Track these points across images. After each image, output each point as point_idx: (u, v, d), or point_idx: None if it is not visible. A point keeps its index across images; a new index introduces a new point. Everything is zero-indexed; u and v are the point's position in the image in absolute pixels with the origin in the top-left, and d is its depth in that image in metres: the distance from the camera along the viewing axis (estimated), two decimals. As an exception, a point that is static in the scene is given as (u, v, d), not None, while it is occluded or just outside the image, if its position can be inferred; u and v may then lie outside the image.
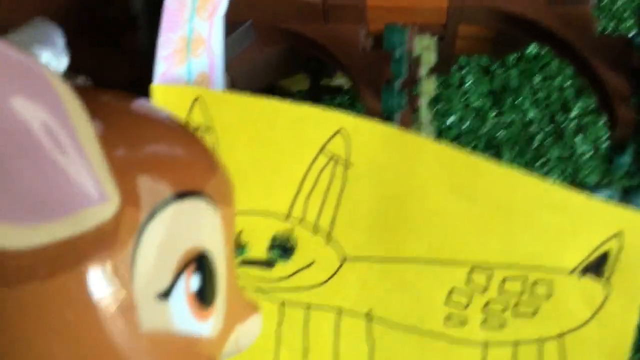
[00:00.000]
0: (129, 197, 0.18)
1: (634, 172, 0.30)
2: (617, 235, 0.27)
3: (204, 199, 0.21)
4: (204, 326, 0.21)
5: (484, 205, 0.27)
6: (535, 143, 0.47)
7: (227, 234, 0.22)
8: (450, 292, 0.29)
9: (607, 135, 0.37)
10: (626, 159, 0.30)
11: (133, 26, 0.32)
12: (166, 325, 0.20)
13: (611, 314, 0.28)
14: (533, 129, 0.48)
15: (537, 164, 0.47)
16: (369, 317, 0.30)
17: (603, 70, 0.29)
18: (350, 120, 0.27)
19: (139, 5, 0.31)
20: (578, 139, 0.47)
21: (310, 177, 0.28)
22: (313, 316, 0.30)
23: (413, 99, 0.30)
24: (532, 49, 0.51)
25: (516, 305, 0.28)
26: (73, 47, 0.35)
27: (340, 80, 0.40)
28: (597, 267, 0.27)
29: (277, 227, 0.29)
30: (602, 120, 0.43)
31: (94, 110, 0.17)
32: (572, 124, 0.48)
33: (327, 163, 0.28)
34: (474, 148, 0.47)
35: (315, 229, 0.29)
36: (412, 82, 0.31)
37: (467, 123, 0.48)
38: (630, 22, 0.53)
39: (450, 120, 0.48)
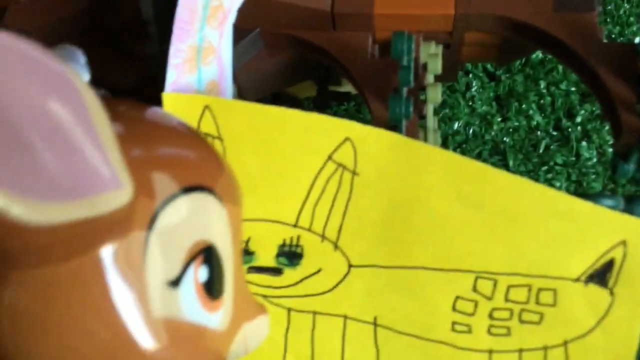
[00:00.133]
0: (143, 187, 0.20)
1: (639, 179, 0.30)
2: (622, 243, 0.27)
3: (211, 194, 0.22)
4: (212, 318, 0.22)
5: (490, 213, 0.27)
6: (541, 148, 0.48)
7: (234, 232, 0.24)
8: (456, 300, 0.29)
9: (612, 141, 0.37)
10: (630, 166, 0.30)
11: (143, 33, 0.33)
12: (176, 313, 0.21)
13: (616, 322, 0.28)
14: (538, 134, 0.48)
15: (543, 169, 0.47)
16: (375, 324, 0.30)
17: (608, 77, 0.30)
18: (358, 128, 0.27)
19: (149, 12, 0.32)
20: (583, 144, 0.47)
21: (318, 185, 0.28)
22: (320, 323, 0.30)
23: (420, 106, 0.30)
24: (538, 54, 0.51)
25: (521, 313, 0.28)
26: (84, 51, 0.36)
27: (347, 87, 0.40)
28: (601, 275, 0.27)
29: (284, 234, 0.29)
30: (608, 127, 0.43)
31: (113, 116, 0.18)
32: (578, 130, 0.48)
33: (335, 171, 0.28)
34: (480, 153, 0.48)
35: (323, 237, 0.29)
36: (419, 90, 0.31)
37: (473, 128, 0.48)
38: (635, 28, 0.53)
39: (456, 125, 0.48)
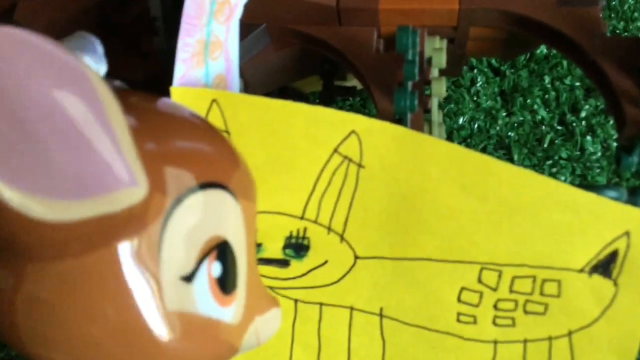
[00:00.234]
0: (157, 184, 0.20)
1: (641, 172, 0.30)
2: (625, 234, 0.27)
3: (226, 191, 0.22)
4: (225, 312, 0.23)
5: (494, 205, 0.27)
6: (545, 143, 0.48)
7: (248, 228, 0.24)
8: (461, 291, 0.29)
9: (616, 135, 0.37)
10: (634, 159, 0.30)
11: (151, 28, 0.33)
12: (189, 308, 0.21)
13: (620, 312, 0.28)
14: (543, 129, 0.48)
15: (547, 163, 0.47)
16: (381, 315, 0.30)
17: (611, 71, 0.30)
18: (363, 121, 0.27)
19: (157, 8, 0.32)
20: (588, 139, 0.47)
21: (324, 178, 0.28)
22: (326, 314, 0.31)
23: (424, 100, 0.31)
24: (542, 49, 0.51)
25: (526, 303, 0.29)
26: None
27: (353, 82, 0.40)
28: (605, 265, 0.27)
29: (291, 226, 0.29)
30: (612, 121, 0.43)
31: (128, 109, 0.19)
32: (582, 124, 0.48)
33: (341, 164, 0.28)
34: (485, 148, 0.48)
35: (329, 229, 0.29)
36: (424, 84, 0.31)
37: (478, 123, 0.49)
38: (639, 23, 0.53)
39: (461, 120, 0.48)
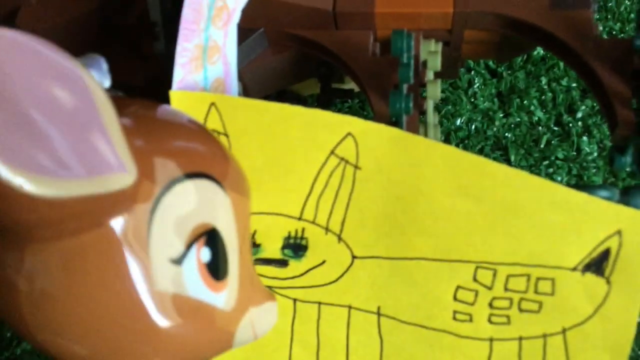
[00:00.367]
0: (147, 172, 0.22)
1: (635, 172, 0.30)
2: (617, 233, 0.27)
3: (214, 182, 0.24)
4: (217, 297, 0.24)
5: (489, 205, 0.28)
6: (542, 144, 0.48)
7: (238, 219, 0.25)
8: (457, 290, 0.29)
9: (611, 136, 0.38)
10: (627, 159, 0.30)
11: (151, 33, 0.33)
12: (180, 290, 0.23)
13: (613, 310, 0.28)
14: (540, 129, 0.49)
15: (544, 164, 0.47)
16: (378, 313, 0.30)
17: (604, 72, 0.30)
18: (359, 123, 0.28)
19: (156, 13, 0.32)
20: (584, 139, 0.48)
21: (321, 179, 0.29)
22: (325, 313, 0.31)
23: (420, 102, 0.31)
24: (539, 51, 0.51)
25: (521, 302, 0.29)
26: (94, 51, 0.37)
27: (350, 85, 0.41)
28: (598, 264, 0.28)
29: (289, 227, 0.30)
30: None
31: (124, 111, 0.22)
32: (578, 125, 0.49)
33: (337, 165, 0.28)
34: (482, 149, 0.48)
35: (327, 229, 0.29)
36: (419, 86, 0.31)
37: (475, 124, 0.49)
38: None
39: (459, 121, 0.49)
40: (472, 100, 0.50)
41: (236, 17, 0.30)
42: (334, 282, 0.30)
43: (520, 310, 0.29)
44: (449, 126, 0.48)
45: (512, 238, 0.28)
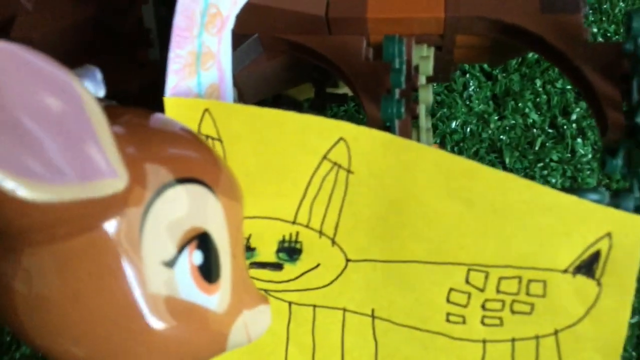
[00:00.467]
0: (138, 178, 0.22)
1: (626, 174, 0.31)
2: (607, 235, 0.27)
3: (205, 187, 0.25)
4: (210, 299, 0.25)
5: (479, 208, 0.28)
6: (537, 146, 0.48)
7: (230, 223, 0.26)
8: (450, 292, 0.29)
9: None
10: (618, 162, 0.31)
11: (146, 40, 0.34)
12: (173, 292, 0.23)
13: (604, 311, 0.28)
14: (534, 132, 0.49)
15: (539, 166, 0.47)
16: (373, 316, 0.31)
17: (594, 76, 0.30)
18: (350, 128, 0.28)
19: (151, 20, 0.33)
20: (578, 141, 0.48)
21: (314, 184, 0.29)
22: (320, 316, 0.31)
23: (412, 107, 0.31)
24: (534, 54, 0.52)
25: (513, 303, 0.29)
26: (90, 58, 0.37)
27: (344, 89, 0.41)
28: (588, 266, 0.28)
29: (284, 231, 0.30)
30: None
31: (117, 120, 0.23)
32: (573, 127, 0.49)
33: (330, 170, 0.29)
34: (477, 152, 0.48)
35: (320, 233, 0.30)
36: (412, 91, 0.32)
37: (470, 127, 0.49)
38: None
39: (454, 124, 0.49)
40: (468, 103, 0.50)
41: (230, 23, 0.30)
42: (328, 285, 0.31)
43: (513, 312, 0.29)
44: (444, 129, 0.49)
45: (503, 240, 0.28)
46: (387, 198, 0.29)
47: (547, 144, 0.48)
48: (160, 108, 0.28)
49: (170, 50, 0.27)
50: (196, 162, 0.25)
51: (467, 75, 0.51)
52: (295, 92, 0.43)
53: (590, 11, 0.55)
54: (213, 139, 0.29)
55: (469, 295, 0.29)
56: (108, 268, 0.22)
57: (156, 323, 0.23)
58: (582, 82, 0.31)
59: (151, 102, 0.28)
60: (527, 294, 0.29)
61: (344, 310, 0.31)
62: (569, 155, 0.48)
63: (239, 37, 0.33)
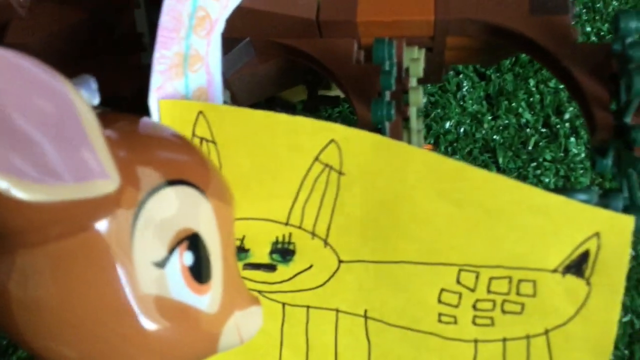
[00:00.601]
0: (130, 180, 0.23)
1: (615, 174, 0.31)
2: (595, 235, 0.27)
3: (194, 189, 0.25)
4: (200, 299, 0.25)
5: (469, 209, 0.28)
6: (530, 145, 0.48)
7: (221, 225, 0.26)
8: (441, 292, 0.30)
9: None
10: (608, 162, 0.31)
11: (139, 44, 0.34)
12: (164, 292, 0.24)
13: (594, 311, 0.29)
14: (528, 131, 0.49)
15: (532, 165, 0.48)
16: (365, 316, 0.31)
17: (582, 77, 0.30)
18: (341, 130, 0.28)
19: (143, 25, 0.33)
20: (572, 140, 0.48)
21: (306, 185, 0.29)
22: (313, 316, 0.31)
23: (403, 108, 0.31)
24: (527, 54, 0.52)
25: (503, 303, 0.29)
26: (83, 63, 0.37)
27: (337, 91, 0.41)
28: (578, 266, 0.28)
29: (277, 232, 0.30)
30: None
31: (110, 125, 0.23)
32: (566, 127, 0.49)
33: (322, 171, 0.29)
34: (471, 152, 0.49)
35: (313, 234, 0.30)
36: (403, 93, 0.32)
37: (464, 127, 0.49)
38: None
39: (448, 125, 0.49)
40: (461, 103, 0.50)
41: (219, 27, 0.30)
42: (321, 286, 0.31)
43: (503, 312, 0.29)
44: (438, 129, 0.49)
45: (493, 241, 0.28)
46: (378, 199, 0.29)
47: (541, 144, 0.48)
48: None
49: (155, 50, 0.27)
50: (186, 165, 0.26)
51: (461, 76, 0.51)
52: (289, 95, 0.43)
53: (584, 10, 0.55)
54: (207, 141, 0.29)
55: (460, 295, 0.30)
56: (100, 268, 0.23)
57: (147, 323, 0.24)
58: (571, 83, 0.31)
59: (146, 105, 0.28)
60: (518, 293, 0.29)
61: (337, 311, 0.31)
62: (562, 154, 0.48)
63: (230, 41, 0.33)
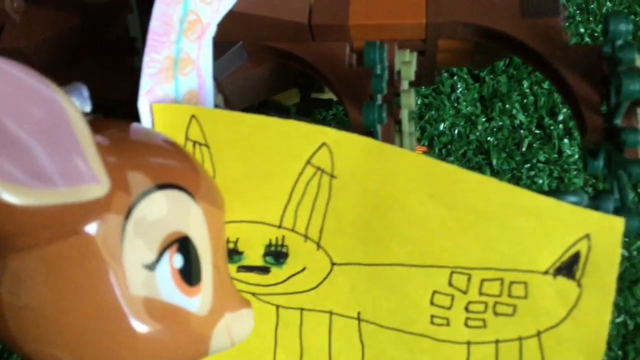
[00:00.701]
0: (119, 184, 0.23)
1: (606, 175, 0.31)
2: (586, 237, 0.28)
3: (184, 192, 0.26)
4: (190, 301, 0.26)
5: (461, 212, 0.28)
6: (524, 147, 0.49)
7: (211, 229, 0.27)
8: (434, 294, 0.30)
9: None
10: (600, 163, 0.31)
11: (132, 48, 0.34)
12: (154, 294, 0.24)
13: (585, 312, 0.29)
14: (522, 133, 0.49)
15: (526, 167, 0.48)
16: (359, 319, 0.31)
17: (573, 79, 0.31)
18: (333, 133, 0.28)
19: (136, 29, 0.33)
20: (565, 142, 0.48)
21: (299, 188, 0.29)
22: (307, 319, 0.31)
23: (395, 111, 0.31)
24: (520, 55, 0.52)
25: (495, 305, 0.29)
26: (77, 66, 0.37)
27: (330, 94, 0.42)
28: (568, 267, 0.28)
29: (270, 235, 0.30)
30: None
31: (100, 131, 0.24)
32: (560, 128, 0.49)
33: (314, 175, 0.29)
34: (465, 153, 0.49)
35: (306, 237, 0.30)
36: (395, 96, 0.32)
37: (458, 129, 0.50)
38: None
39: (442, 127, 0.49)
40: (455, 105, 0.51)
41: (211, 31, 0.30)
42: (314, 288, 0.31)
43: (496, 313, 0.30)
44: (432, 131, 0.49)
45: (485, 243, 0.29)
46: (370, 202, 0.29)
47: (534, 145, 0.48)
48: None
49: (145, 54, 0.27)
50: (176, 169, 0.26)
51: (455, 78, 0.51)
52: (282, 98, 0.43)
53: (578, 11, 0.55)
54: (200, 144, 0.29)
55: (452, 297, 0.30)
56: (91, 271, 0.23)
57: (138, 324, 0.24)
58: (562, 85, 0.31)
59: (137, 109, 0.29)
60: (509, 295, 0.29)
61: (331, 313, 0.31)
62: (556, 155, 0.48)
63: (223, 45, 0.33)
